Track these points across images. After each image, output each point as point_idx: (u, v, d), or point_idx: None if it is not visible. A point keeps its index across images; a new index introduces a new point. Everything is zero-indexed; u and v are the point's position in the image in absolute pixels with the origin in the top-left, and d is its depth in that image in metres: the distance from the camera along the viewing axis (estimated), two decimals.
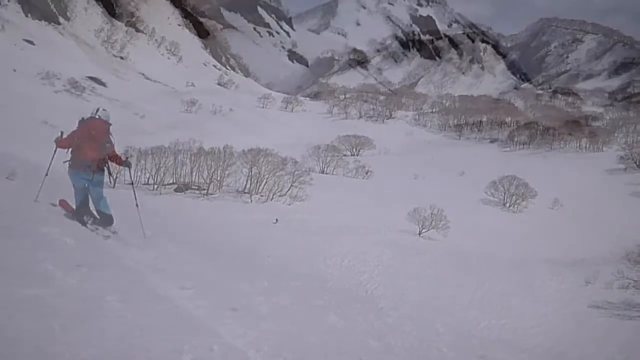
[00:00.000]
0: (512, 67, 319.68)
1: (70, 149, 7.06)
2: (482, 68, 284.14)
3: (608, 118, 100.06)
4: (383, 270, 19.21)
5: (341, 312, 7.34)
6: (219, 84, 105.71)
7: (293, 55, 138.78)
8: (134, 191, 8.50)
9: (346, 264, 19.47)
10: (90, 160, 6.88)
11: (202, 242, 11.70)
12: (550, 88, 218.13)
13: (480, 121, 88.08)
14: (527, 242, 30.23)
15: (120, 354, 3.47)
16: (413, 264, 21.15)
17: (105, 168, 7.28)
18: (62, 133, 7.30)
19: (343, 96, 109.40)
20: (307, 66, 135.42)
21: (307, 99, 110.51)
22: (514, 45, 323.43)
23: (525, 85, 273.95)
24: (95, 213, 7.43)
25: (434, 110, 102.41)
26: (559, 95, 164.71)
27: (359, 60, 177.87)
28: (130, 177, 6.32)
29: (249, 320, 5.12)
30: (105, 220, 7.33)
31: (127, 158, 7.89)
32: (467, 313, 15.59)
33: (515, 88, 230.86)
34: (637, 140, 65.59)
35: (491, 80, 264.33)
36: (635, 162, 53.82)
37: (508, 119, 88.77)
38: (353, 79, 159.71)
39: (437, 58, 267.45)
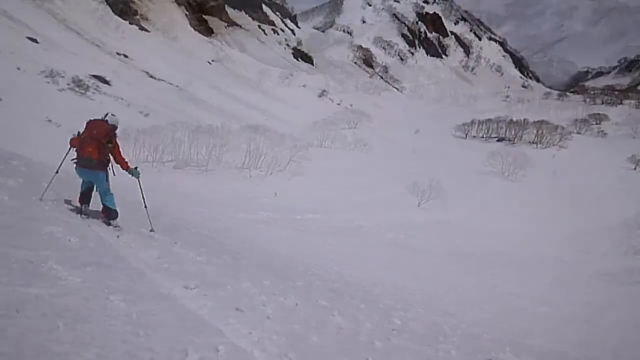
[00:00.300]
0: (519, 64, 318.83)
1: (76, 148, 7.43)
2: (491, 67, 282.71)
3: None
4: (387, 265, 19.20)
5: (342, 311, 7.30)
6: (522, 86, 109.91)
7: (298, 53, 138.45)
8: (141, 191, 8.54)
9: (353, 260, 19.46)
10: (91, 158, 7.19)
11: (207, 236, 11.71)
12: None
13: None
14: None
15: (124, 353, 3.45)
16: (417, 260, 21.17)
17: (110, 168, 7.54)
18: (78, 133, 7.53)
19: None
20: (313, 64, 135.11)
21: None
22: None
23: (534, 83, 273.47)
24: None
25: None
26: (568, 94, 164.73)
27: (364, 58, 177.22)
28: (138, 181, 6.29)
29: (254, 320, 5.10)
30: (110, 214, 7.66)
31: (136, 167, 7.84)
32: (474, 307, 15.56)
33: (523, 86, 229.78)
34: None
35: (499, 77, 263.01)
36: None
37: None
38: (360, 74, 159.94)
39: (443, 56, 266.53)
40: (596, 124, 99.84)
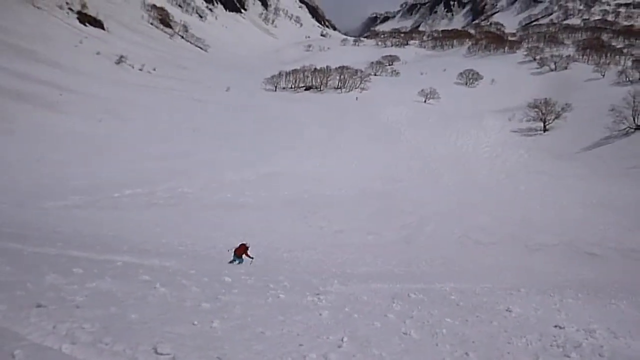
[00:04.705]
0: (315, 14, 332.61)
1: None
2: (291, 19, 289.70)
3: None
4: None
5: (166, 281, 7.09)
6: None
7: (84, 18, 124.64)
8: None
9: (183, 228, 18.92)
10: (238, 254, 13.93)
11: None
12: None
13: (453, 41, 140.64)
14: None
15: None
16: None
17: (244, 256, 14.00)
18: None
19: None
20: (104, 29, 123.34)
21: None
22: None
23: (331, 31, 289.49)
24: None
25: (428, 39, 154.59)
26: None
27: (161, 18, 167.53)
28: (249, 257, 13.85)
29: (60, 313, 4.65)
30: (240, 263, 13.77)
31: (252, 258, 14.41)
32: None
33: (322, 35, 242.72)
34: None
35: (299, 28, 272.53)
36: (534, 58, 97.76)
37: (467, 40, 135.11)
38: (159, 37, 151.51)
39: (242, 10, 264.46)
40: (389, 64, 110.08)
